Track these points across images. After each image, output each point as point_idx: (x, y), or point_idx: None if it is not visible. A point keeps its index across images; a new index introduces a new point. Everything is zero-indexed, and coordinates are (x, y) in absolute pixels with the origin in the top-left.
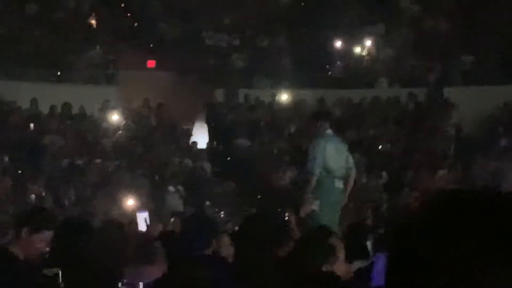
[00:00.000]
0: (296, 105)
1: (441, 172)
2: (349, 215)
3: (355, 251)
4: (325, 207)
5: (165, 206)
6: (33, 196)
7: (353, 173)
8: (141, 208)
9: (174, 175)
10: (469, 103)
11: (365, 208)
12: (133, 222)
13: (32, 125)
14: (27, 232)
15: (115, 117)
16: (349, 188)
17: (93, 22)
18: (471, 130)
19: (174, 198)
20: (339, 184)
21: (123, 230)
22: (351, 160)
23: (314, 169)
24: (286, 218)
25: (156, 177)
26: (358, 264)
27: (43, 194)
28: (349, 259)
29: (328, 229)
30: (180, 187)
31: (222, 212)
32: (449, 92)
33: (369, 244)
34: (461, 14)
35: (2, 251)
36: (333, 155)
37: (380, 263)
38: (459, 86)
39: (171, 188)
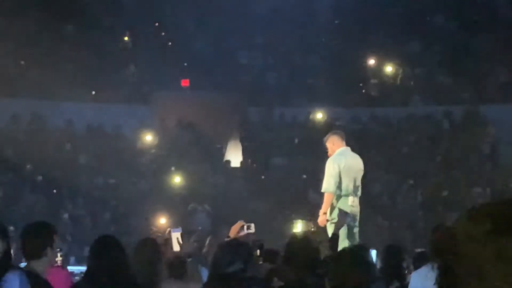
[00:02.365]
0: (331, 123)
1: (477, 190)
2: (385, 233)
3: (392, 272)
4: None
5: (198, 225)
6: (66, 215)
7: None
8: (175, 226)
9: (208, 193)
10: (506, 120)
11: (401, 226)
12: (168, 240)
13: (67, 144)
14: (50, 247)
15: (149, 136)
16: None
17: (128, 41)
18: (508, 147)
19: (208, 217)
20: (354, 202)
21: (158, 248)
22: (360, 178)
23: (329, 186)
24: (312, 230)
25: (190, 196)
26: (395, 284)
27: (79, 212)
28: (386, 279)
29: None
30: (214, 206)
31: (251, 228)
32: (485, 110)
33: (406, 263)
34: (497, 30)
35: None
36: (348, 172)
37: (416, 281)
38: (496, 103)
39: (205, 207)
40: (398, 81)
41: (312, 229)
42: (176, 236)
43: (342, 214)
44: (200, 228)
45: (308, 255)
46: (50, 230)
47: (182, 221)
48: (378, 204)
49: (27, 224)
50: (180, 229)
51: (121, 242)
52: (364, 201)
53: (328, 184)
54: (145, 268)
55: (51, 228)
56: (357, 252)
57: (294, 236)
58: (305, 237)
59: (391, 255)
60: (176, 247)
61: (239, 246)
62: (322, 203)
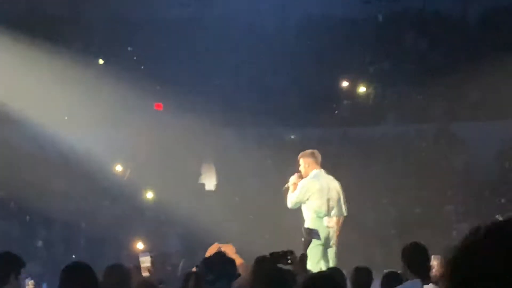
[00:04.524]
0: (303, 143)
1: (449, 208)
2: (357, 252)
3: None
4: (315, 247)
5: (173, 248)
6: (40, 242)
7: (343, 212)
8: (146, 250)
9: (182, 216)
10: (478, 138)
11: (374, 245)
12: (138, 265)
13: (39, 170)
14: (14, 277)
15: (122, 160)
16: (338, 227)
17: (102, 65)
18: (480, 165)
19: (179, 240)
20: (329, 222)
21: (126, 273)
22: (342, 199)
23: (289, 202)
24: (290, 261)
25: (164, 219)
26: None
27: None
28: None
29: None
30: (188, 229)
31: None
32: (457, 128)
33: (376, 281)
34: (467, 49)
35: None
36: (321, 194)
37: None
38: (467, 121)
39: (178, 231)
40: (370, 101)
41: (289, 262)
42: (144, 261)
43: (308, 232)
44: (175, 251)
45: (275, 279)
46: (16, 260)
47: (156, 245)
48: (351, 223)
49: None
50: (148, 253)
51: (94, 268)
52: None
53: (289, 201)
54: None
55: (18, 259)
56: (329, 277)
57: (259, 260)
58: (271, 261)
59: (360, 277)
60: (145, 273)
61: (225, 263)
62: (298, 227)
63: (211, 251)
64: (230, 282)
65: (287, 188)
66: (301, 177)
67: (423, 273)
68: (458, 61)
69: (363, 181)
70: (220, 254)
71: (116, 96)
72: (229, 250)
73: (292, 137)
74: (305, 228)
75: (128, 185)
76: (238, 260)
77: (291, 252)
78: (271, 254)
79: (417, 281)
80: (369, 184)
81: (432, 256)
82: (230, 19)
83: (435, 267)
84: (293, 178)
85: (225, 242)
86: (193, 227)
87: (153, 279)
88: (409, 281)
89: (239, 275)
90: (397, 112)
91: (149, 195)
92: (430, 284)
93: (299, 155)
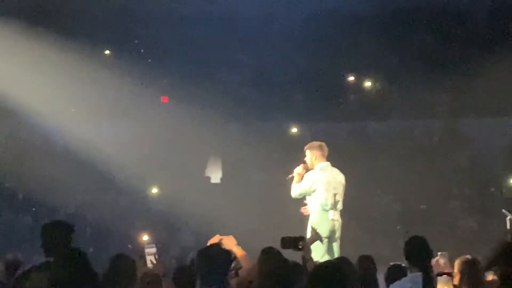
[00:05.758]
0: (309, 138)
1: (454, 204)
2: (363, 247)
3: (366, 283)
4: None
5: (178, 241)
6: None
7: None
8: (151, 242)
9: (188, 210)
10: (483, 135)
11: (379, 240)
12: (142, 257)
13: (46, 162)
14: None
15: (129, 153)
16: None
17: (109, 55)
18: (486, 161)
19: (188, 233)
20: (334, 216)
21: (131, 264)
22: (341, 192)
23: (293, 192)
24: (300, 247)
25: (170, 213)
26: None
27: None
28: None
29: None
30: (194, 222)
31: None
32: (463, 124)
33: (382, 275)
34: (475, 45)
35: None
36: (327, 187)
37: None
38: (473, 118)
39: (185, 223)
40: (376, 96)
41: (300, 247)
42: (149, 252)
43: (314, 232)
44: (181, 244)
45: (282, 270)
46: (70, 228)
47: (162, 237)
48: (357, 218)
49: (46, 223)
50: (153, 245)
51: (99, 259)
52: (343, 215)
53: (294, 190)
54: (119, 284)
55: (71, 226)
56: (337, 266)
57: (266, 251)
58: (278, 253)
59: (365, 265)
60: (150, 264)
61: (219, 255)
62: (302, 220)
63: (211, 242)
64: (225, 274)
65: (291, 178)
66: (306, 168)
67: (424, 266)
68: (465, 57)
69: (369, 176)
70: (214, 246)
71: (123, 89)
72: (230, 242)
73: (299, 131)
74: (312, 227)
75: (134, 178)
76: (240, 252)
77: (302, 238)
78: (282, 239)
79: (418, 274)
80: (375, 179)
81: (439, 253)
82: (237, 14)
83: (442, 264)
84: (298, 169)
85: (229, 234)
86: (198, 220)
87: (157, 271)
88: (410, 274)
89: (241, 267)
90: (403, 108)
91: (154, 188)
92: (444, 276)
93: (306, 147)
